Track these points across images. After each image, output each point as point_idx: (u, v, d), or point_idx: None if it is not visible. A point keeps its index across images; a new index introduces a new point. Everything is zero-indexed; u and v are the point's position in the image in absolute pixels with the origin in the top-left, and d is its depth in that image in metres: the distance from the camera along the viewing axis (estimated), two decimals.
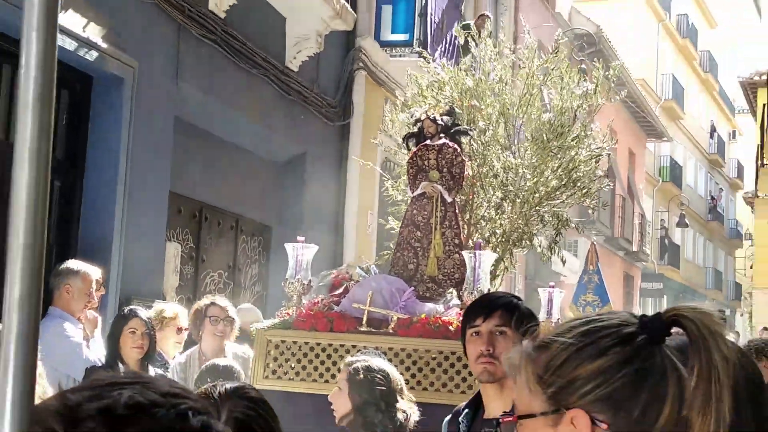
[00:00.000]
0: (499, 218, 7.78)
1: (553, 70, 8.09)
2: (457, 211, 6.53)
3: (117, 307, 7.54)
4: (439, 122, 6.52)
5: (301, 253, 5.90)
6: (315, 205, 11.07)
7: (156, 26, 8.18)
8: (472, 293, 5.64)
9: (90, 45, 7.30)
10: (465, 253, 5.89)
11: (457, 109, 7.45)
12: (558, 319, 7.04)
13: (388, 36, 12.52)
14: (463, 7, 14.80)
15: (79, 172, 7.62)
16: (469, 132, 7.02)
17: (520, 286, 18.98)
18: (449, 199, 6.41)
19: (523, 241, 7.96)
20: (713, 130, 44.95)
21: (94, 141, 7.65)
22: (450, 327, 5.56)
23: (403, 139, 7.02)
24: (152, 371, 5.29)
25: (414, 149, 6.58)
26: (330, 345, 5.63)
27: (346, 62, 11.95)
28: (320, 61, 10.97)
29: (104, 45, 7.45)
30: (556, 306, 6.93)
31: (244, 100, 9.47)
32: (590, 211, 8.86)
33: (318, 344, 5.65)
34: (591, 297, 13.87)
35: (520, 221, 7.75)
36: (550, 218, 8.05)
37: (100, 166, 7.64)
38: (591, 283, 13.94)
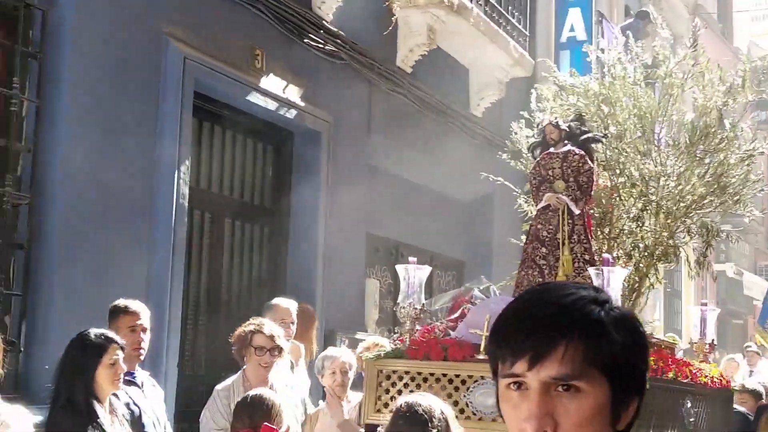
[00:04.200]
0: (640, 231, 6.62)
1: (693, 66, 6.71)
2: (586, 223, 5.53)
3: (323, 339, 7.55)
4: (562, 127, 5.59)
5: (413, 275, 4.89)
6: (503, 240, 10.79)
7: (348, 84, 8.24)
8: None
9: (289, 104, 7.41)
10: (591, 270, 4.85)
11: (586, 116, 6.33)
12: (712, 339, 6.23)
13: (568, 79, 12.13)
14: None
15: (285, 217, 7.71)
16: (601, 139, 5.98)
17: None
18: (577, 211, 5.45)
19: (669, 256, 6.65)
20: None
21: (296, 189, 7.74)
22: None
23: (529, 149, 6.10)
24: (118, 406, 4.12)
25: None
26: (444, 375, 4.59)
27: (527, 105, 11.65)
28: (502, 106, 10.75)
29: (302, 103, 7.55)
30: (711, 325, 6.01)
31: (432, 146, 9.37)
32: (746, 220, 7.18)
33: (432, 374, 4.62)
34: None
35: (664, 233, 6.54)
36: (698, 229, 6.74)
37: (303, 212, 7.71)
38: None
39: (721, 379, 6.00)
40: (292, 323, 5.90)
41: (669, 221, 6.52)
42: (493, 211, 10.72)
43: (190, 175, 6.39)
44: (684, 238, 6.71)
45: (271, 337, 4.76)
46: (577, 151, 5.53)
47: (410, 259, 5.14)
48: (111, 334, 4.04)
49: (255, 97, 7.03)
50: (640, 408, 1.38)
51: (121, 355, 3.98)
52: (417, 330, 4.84)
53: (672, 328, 15.40)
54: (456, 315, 5.19)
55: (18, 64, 5.36)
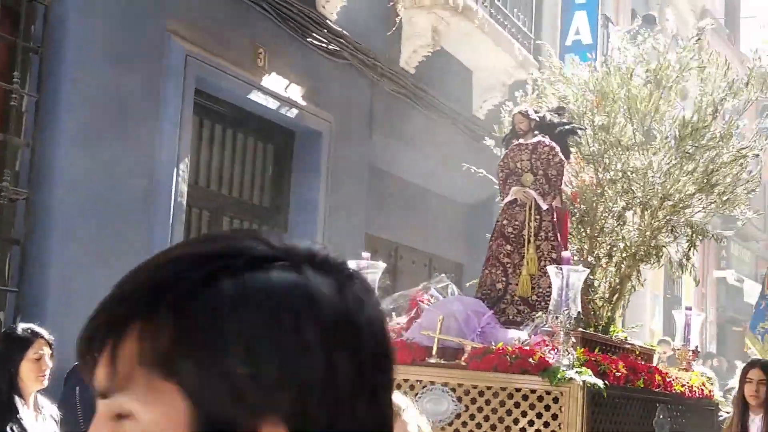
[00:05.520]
0: (622, 229, 6.28)
1: (691, 59, 6.27)
2: (555, 220, 5.19)
3: None
4: (532, 117, 5.30)
5: (365, 273, 4.53)
6: None
7: (350, 84, 8.22)
8: (557, 318, 4.35)
9: (291, 103, 7.39)
10: (550, 269, 4.58)
11: (571, 107, 6.01)
12: (696, 346, 6.01)
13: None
14: None
15: (283, 217, 7.70)
16: (578, 131, 5.58)
17: (711, 317, 17.80)
18: (545, 206, 5.14)
19: (651, 257, 6.27)
20: None
21: (296, 189, 7.73)
22: (531, 359, 4.33)
23: (503, 141, 5.75)
24: (45, 405, 4.00)
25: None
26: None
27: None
28: (505, 109, 10.72)
29: (303, 103, 7.54)
30: (695, 331, 5.85)
31: (433, 148, 9.35)
32: (739, 223, 6.80)
33: None
34: None
35: (647, 233, 6.14)
36: (684, 229, 6.34)
37: (302, 211, 7.70)
38: None
39: (702, 389, 5.79)
40: None
41: (653, 220, 6.16)
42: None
43: (189, 173, 6.38)
44: (668, 237, 6.35)
45: None
46: (547, 142, 5.24)
47: (363, 254, 4.95)
48: (38, 329, 3.98)
49: (257, 96, 7.02)
50: None
51: (47, 351, 3.92)
52: None
53: (672, 335, 15.37)
54: (410, 315, 4.92)
55: (19, 59, 5.35)
